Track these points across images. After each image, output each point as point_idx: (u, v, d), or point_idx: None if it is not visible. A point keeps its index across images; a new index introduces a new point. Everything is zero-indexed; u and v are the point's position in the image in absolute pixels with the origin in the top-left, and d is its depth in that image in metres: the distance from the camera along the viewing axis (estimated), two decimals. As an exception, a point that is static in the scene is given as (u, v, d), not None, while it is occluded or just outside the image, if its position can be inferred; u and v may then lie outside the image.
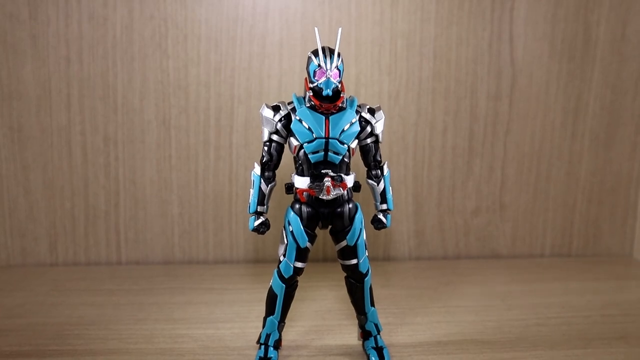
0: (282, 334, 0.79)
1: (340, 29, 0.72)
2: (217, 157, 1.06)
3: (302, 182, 0.72)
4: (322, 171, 0.70)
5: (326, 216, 0.72)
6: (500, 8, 1.06)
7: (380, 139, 0.75)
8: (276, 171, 0.74)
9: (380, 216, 0.75)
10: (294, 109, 0.72)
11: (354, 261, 0.73)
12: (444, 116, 1.08)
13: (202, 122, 1.05)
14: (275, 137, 0.72)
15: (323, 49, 0.69)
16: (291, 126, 0.70)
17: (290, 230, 0.72)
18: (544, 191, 1.13)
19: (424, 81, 1.07)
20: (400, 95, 1.06)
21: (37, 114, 1.02)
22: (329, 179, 0.70)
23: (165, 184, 1.06)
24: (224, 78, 1.03)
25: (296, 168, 0.73)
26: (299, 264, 0.72)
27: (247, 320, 0.82)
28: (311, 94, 0.70)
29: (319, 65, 0.69)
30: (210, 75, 1.03)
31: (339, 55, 0.69)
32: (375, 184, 0.76)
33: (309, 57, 0.70)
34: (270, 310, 0.74)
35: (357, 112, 0.73)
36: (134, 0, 1.01)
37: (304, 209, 0.72)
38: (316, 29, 0.72)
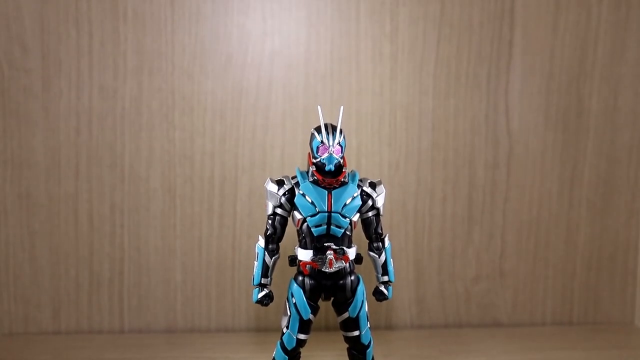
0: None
1: (342, 107, 0.75)
2: (220, 225, 1.08)
3: (305, 255, 0.74)
4: (324, 244, 0.73)
5: (329, 288, 0.74)
6: (495, 81, 1.10)
7: (381, 213, 0.78)
8: (280, 243, 0.76)
9: (382, 288, 0.77)
10: (297, 184, 0.75)
11: (356, 333, 0.74)
12: (443, 185, 1.10)
13: (206, 191, 1.07)
14: (279, 210, 0.75)
15: (326, 126, 0.73)
16: (295, 200, 0.73)
17: (294, 302, 0.73)
18: (544, 258, 1.15)
19: (423, 151, 1.09)
20: (400, 164, 1.08)
21: (46, 182, 1.05)
22: (332, 252, 0.72)
23: (169, 251, 1.08)
24: (229, 148, 1.06)
25: (299, 241, 0.75)
26: (302, 336, 0.73)
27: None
28: (314, 169, 0.73)
29: (322, 142, 0.72)
30: (215, 145, 1.06)
31: (341, 132, 0.73)
32: (377, 256, 0.78)
33: (312, 134, 0.74)
34: (273, 383, 0.73)
35: (359, 186, 0.76)
36: (143, 73, 1.04)
37: (307, 281, 0.74)
38: (319, 107, 0.74)
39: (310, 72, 1.07)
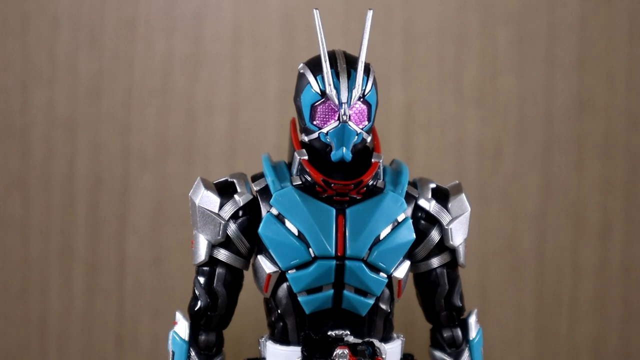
0: None
1: (370, 10, 0.44)
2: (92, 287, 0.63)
3: (284, 357, 0.46)
4: (329, 332, 0.45)
5: None
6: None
7: (461, 260, 0.47)
8: (223, 331, 0.47)
9: None
10: (264, 191, 0.45)
11: None
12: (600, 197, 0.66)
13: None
14: (222, 253, 0.45)
15: (333, 56, 0.43)
16: (259, 230, 0.44)
17: None
18: None
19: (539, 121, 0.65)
20: (502, 148, 0.65)
21: None
22: (345, 350, 0.44)
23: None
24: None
25: (269, 324, 0.46)
26: None
27: None
28: (305, 157, 0.44)
29: (324, 94, 0.43)
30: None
31: (367, 69, 0.43)
32: (452, 359, 0.49)
33: (302, 74, 0.44)
34: None
35: (410, 197, 0.46)
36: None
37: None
38: (316, 11, 0.43)
39: None
